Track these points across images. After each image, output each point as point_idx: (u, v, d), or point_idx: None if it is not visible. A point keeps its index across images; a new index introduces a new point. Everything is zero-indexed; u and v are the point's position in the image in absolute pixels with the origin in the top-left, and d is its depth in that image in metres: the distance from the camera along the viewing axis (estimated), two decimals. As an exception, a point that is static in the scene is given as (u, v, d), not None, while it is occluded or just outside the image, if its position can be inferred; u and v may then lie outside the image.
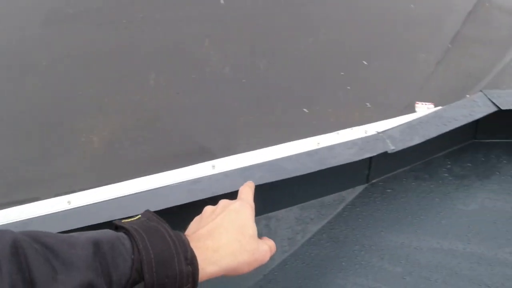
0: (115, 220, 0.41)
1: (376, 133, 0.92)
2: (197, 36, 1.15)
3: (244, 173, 0.74)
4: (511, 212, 0.86)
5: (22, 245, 0.30)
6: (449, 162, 0.98)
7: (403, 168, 0.98)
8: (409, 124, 0.92)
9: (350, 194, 0.91)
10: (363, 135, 0.93)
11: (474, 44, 1.34)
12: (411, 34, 1.30)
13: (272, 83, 1.09)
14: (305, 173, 0.78)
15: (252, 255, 0.44)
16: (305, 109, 1.06)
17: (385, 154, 0.85)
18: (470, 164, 0.97)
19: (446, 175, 0.95)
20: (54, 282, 0.30)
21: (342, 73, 1.13)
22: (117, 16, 1.22)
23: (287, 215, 0.81)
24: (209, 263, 0.40)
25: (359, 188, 0.94)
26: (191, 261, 0.38)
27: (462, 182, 0.93)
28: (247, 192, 0.55)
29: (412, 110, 1.09)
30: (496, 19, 1.49)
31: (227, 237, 0.43)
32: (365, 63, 1.16)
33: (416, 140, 0.88)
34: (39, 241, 0.32)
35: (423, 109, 1.08)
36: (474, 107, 0.93)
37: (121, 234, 0.38)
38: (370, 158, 0.86)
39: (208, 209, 0.50)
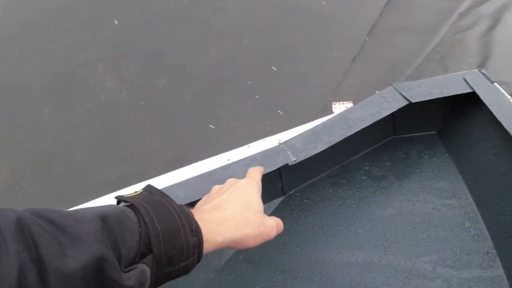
0: (117, 196, 0.40)
1: (277, 144, 0.83)
2: (90, 62, 1.05)
3: None
4: (432, 213, 0.78)
5: (27, 223, 0.29)
6: (367, 164, 0.90)
7: (321, 175, 0.90)
8: (313, 131, 0.83)
9: (267, 209, 0.83)
10: (275, 145, 0.85)
11: (394, 34, 1.28)
12: (324, 32, 1.22)
13: (174, 102, 1.00)
14: (198, 199, 0.70)
15: (258, 228, 0.45)
16: (211, 125, 0.97)
17: (296, 164, 0.78)
18: (389, 163, 0.88)
19: (364, 177, 0.87)
20: (63, 257, 0.29)
21: (250, 82, 1.05)
22: (9, 50, 1.12)
23: None
24: (214, 234, 0.41)
25: (276, 202, 0.85)
26: (196, 232, 0.38)
27: (380, 184, 0.85)
28: (255, 172, 0.56)
29: (329, 111, 1.01)
30: (418, 4, 1.44)
31: (232, 211, 0.44)
32: (274, 68, 1.08)
33: (320, 147, 0.80)
34: (44, 217, 0.31)
35: (341, 109, 1.00)
36: (383, 104, 0.84)
37: (125, 208, 0.37)
38: (279, 169, 0.78)
39: (215, 187, 0.50)
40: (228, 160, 0.86)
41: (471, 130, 0.82)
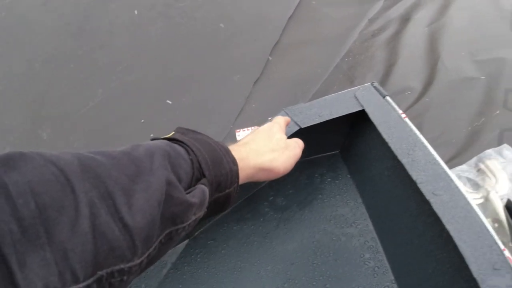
0: (153, 137, 0.41)
1: None
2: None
3: None
4: (331, 245, 0.72)
5: (88, 162, 0.28)
6: (272, 193, 0.84)
7: (225, 211, 0.84)
8: None
9: (171, 256, 0.76)
10: None
11: (300, 49, 1.23)
12: (224, 57, 1.16)
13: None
14: None
15: (282, 152, 0.49)
16: None
17: None
18: (292, 191, 0.83)
19: (267, 209, 0.82)
20: (134, 185, 0.29)
21: (143, 121, 0.97)
22: None
23: None
24: (246, 162, 0.44)
25: (181, 246, 0.78)
26: (234, 162, 0.41)
27: (283, 215, 0.80)
28: (280, 118, 0.60)
29: (234, 139, 0.95)
30: (325, 14, 1.42)
31: (257, 144, 0.48)
32: (169, 102, 1.01)
33: None
34: (104, 154, 0.30)
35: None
36: None
37: (168, 142, 0.38)
38: None
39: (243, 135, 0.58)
40: None
41: (367, 149, 0.78)
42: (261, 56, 1.15)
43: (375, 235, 0.70)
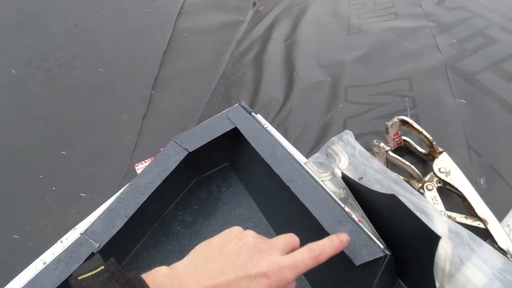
0: (75, 270, 0.39)
1: (78, 235, 0.82)
2: None
3: None
4: None
5: None
6: (179, 213, 0.94)
7: (142, 240, 0.91)
8: (109, 209, 0.84)
9: None
10: (77, 237, 0.83)
11: (179, 80, 1.35)
12: (108, 100, 1.23)
13: None
14: None
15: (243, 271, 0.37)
16: (15, 236, 0.90)
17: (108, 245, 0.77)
18: (196, 207, 0.95)
19: (179, 228, 0.92)
20: None
21: (42, 176, 1.00)
22: None
23: None
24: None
25: None
26: None
27: (193, 229, 0.91)
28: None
29: (134, 173, 1.03)
30: (196, 42, 1.56)
31: (196, 261, 0.40)
32: (64, 153, 1.05)
33: (119, 224, 0.81)
34: None
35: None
36: (167, 160, 0.90)
37: None
38: (90, 256, 0.76)
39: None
40: (44, 263, 0.82)
41: (247, 157, 0.93)
42: (144, 92, 1.25)
43: (266, 222, 0.86)
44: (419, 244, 0.55)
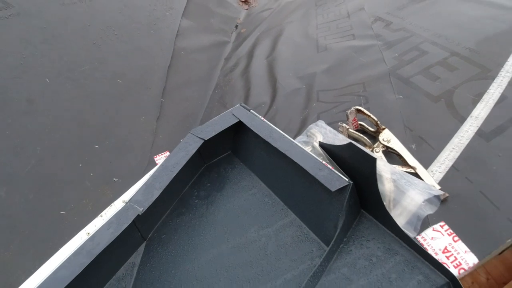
0: None
1: (123, 204, 1.05)
2: None
3: None
4: (245, 202, 1.07)
5: None
6: (195, 190, 1.19)
7: (167, 212, 1.15)
8: (146, 184, 1.08)
9: (136, 257, 1.02)
10: (122, 205, 1.05)
11: (182, 89, 1.63)
12: (128, 105, 1.48)
13: (14, 212, 1.10)
14: (81, 272, 0.86)
15: None
16: (62, 212, 1.11)
17: (145, 212, 1.00)
18: (209, 184, 1.20)
19: (196, 201, 1.16)
20: None
21: (81, 165, 1.23)
22: None
23: None
24: None
25: (141, 248, 1.05)
26: None
27: (208, 200, 1.15)
28: None
29: (154, 164, 1.28)
30: (193, 59, 1.84)
31: None
32: (97, 146, 1.29)
33: (156, 193, 1.05)
34: None
35: (162, 159, 1.28)
36: (188, 147, 1.16)
37: None
38: (133, 221, 0.99)
39: None
40: (88, 233, 1.04)
41: (248, 144, 1.22)
42: (155, 99, 1.51)
43: (267, 189, 1.12)
44: (368, 170, 0.81)
